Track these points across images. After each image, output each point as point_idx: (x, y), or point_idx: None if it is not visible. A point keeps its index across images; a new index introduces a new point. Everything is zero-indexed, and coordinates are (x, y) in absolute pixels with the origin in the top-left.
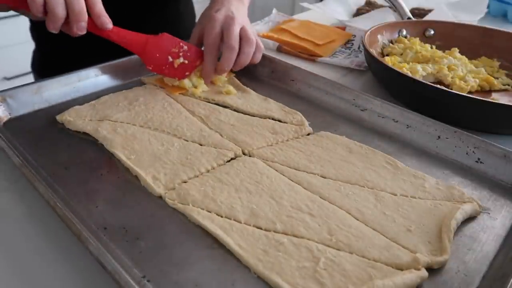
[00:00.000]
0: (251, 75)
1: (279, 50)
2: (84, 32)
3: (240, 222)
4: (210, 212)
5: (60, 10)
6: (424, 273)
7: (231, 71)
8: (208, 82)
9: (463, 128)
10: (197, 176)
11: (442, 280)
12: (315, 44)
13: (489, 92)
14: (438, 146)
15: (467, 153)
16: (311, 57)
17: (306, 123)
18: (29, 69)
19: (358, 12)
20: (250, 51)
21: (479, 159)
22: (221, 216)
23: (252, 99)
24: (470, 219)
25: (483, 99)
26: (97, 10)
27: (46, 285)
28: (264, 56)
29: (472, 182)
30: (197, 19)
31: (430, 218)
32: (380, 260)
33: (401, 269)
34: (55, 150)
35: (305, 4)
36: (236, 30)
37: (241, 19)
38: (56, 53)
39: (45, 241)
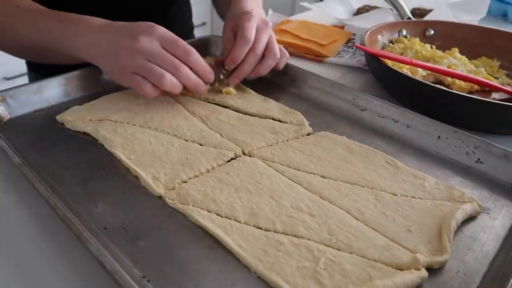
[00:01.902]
0: None
1: None
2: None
3: (240, 222)
4: (210, 212)
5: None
6: (424, 273)
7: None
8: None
9: (463, 128)
10: (197, 176)
11: (442, 280)
12: (319, 44)
13: (489, 92)
14: (438, 146)
15: (467, 153)
16: (317, 57)
17: (306, 123)
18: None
19: (359, 12)
20: (271, 64)
21: (479, 159)
22: (221, 216)
23: (252, 99)
24: (470, 219)
25: (483, 99)
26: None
27: (46, 285)
28: None
29: (472, 182)
30: (194, 19)
31: (430, 218)
32: (380, 260)
33: (401, 269)
34: (55, 150)
35: (305, 4)
36: (265, 38)
37: (270, 29)
38: None
39: (45, 241)
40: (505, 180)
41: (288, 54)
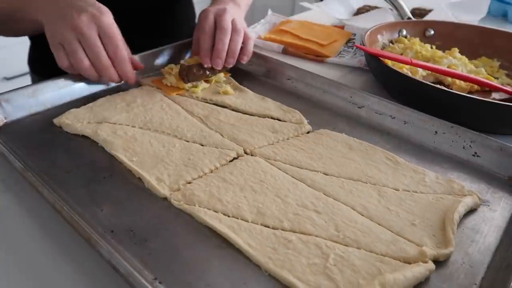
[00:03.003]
0: (247, 75)
1: (285, 52)
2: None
3: (248, 221)
4: (216, 212)
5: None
6: (431, 265)
7: (226, 70)
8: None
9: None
10: (201, 177)
11: (448, 272)
12: (319, 44)
13: (489, 92)
14: (435, 141)
15: (463, 148)
16: (317, 57)
17: (305, 121)
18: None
19: (359, 12)
20: (237, 39)
21: (475, 153)
22: (228, 216)
23: (250, 99)
24: (470, 212)
25: (483, 99)
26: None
27: (47, 285)
28: (259, 56)
29: (470, 175)
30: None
31: (433, 211)
32: (388, 254)
33: (409, 263)
34: (54, 154)
35: (305, 4)
36: (228, 17)
37: (233, 13)
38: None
39: (47, 243)
40: (502, 172)
41: (253, 36)
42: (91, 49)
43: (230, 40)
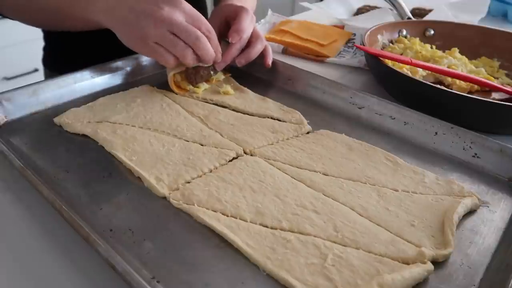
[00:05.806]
0: (247, 75)
1: (285, 52)
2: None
3: (246, 221)
4: (215, 211)
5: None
6: (430, 266)
7: (231, 68)
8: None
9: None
10: (200, 176)
11: (447, 273)
12: (319, 44)
13: (489, 92)
14: (435, 142)
15: (464, 149)
16: (318, 57)
17: (305, 121)
18: (29, 69)
19: (359, 12)
20: (260, 48)
21: (476, 154)
22: (227, 216)
23: (250, 99)
24: (470, 213)
25: (483, 99)
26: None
27: (47, 285)
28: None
29: (470, 176)
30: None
31: (432, 212)
32: (386, 255)
33: (407, 263)
34: (54, 153)
35: (305, 4)
36: (251, 27)
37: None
38: (66, 48)
39: (46, 242)
40: (502, 174)
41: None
42: (187, 33)
43: (253, 47)
